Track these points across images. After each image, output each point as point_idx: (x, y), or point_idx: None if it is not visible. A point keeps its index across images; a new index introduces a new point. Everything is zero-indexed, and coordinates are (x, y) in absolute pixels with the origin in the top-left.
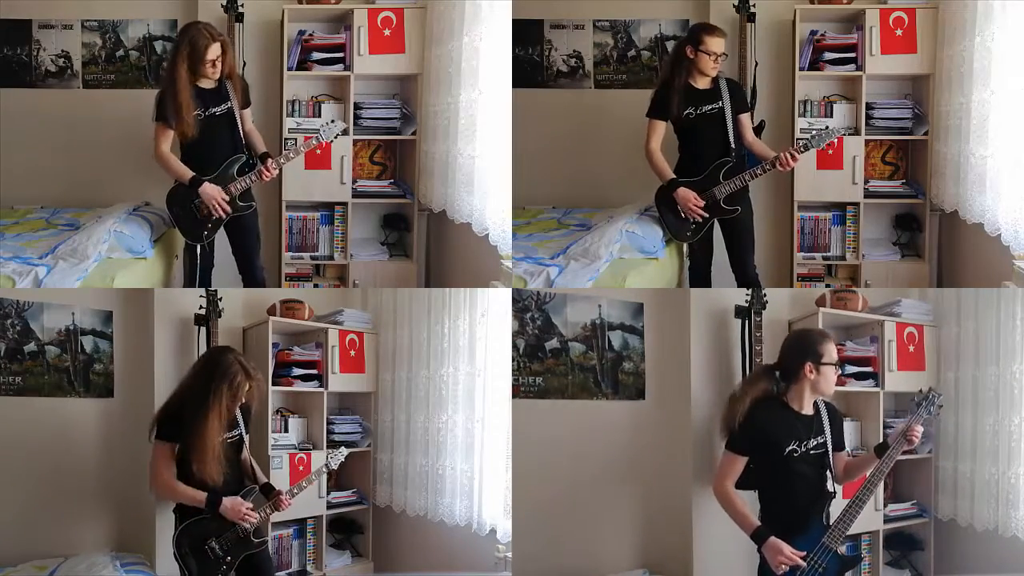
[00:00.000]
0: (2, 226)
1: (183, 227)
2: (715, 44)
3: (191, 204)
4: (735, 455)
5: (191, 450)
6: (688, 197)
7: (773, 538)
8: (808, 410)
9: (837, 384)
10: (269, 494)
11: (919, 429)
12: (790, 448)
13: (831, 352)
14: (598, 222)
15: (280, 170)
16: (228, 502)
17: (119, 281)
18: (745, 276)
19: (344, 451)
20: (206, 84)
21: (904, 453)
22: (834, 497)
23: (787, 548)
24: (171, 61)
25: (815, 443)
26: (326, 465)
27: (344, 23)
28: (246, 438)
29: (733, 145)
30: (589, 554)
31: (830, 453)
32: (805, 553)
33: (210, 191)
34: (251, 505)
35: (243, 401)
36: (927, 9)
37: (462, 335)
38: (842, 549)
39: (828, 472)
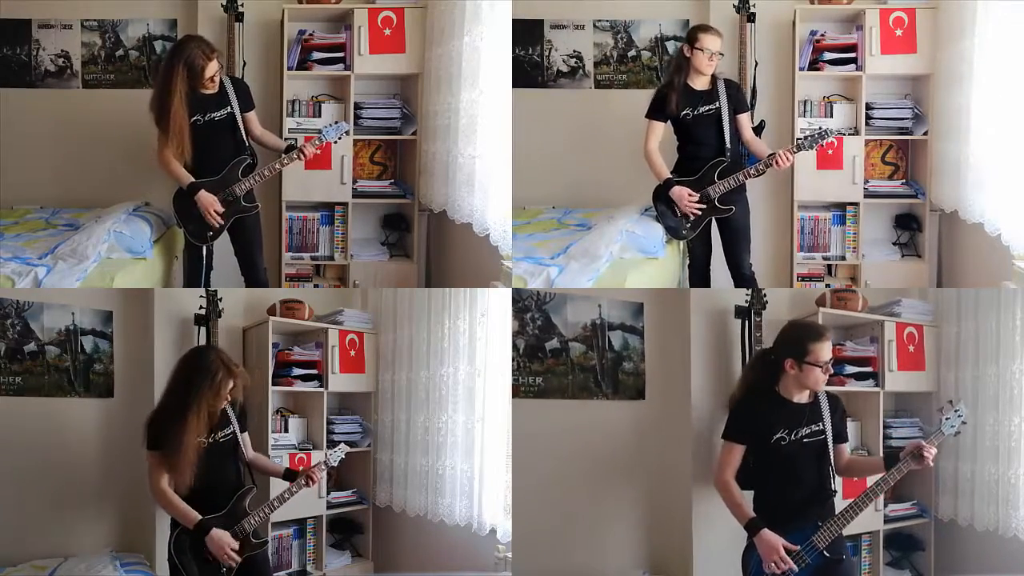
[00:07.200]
0: (2, 226)
1: (188, 227)
2: (710, 41)
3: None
4: (730, 444)
5: (167, 452)
6: (682, 195)
7: (766, 531)
8: (803, 399)
9: (837, 384)
10: (293, 478)
11: (934, 449)
12: (777, 436)
13: (819, 353)
14: (598, 222)
15: (282, 170)
16: (216, 535)
17: (119, 281)
18: (740, 275)
19: (344, 448)
20: (206, 90)
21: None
22: (835, 495)
23: (782, 548)
24: (165, 79)
25: (807, 431)
26: (325, 463)
27: (344, 23)
28: (242, 436)
29: (729, 145)
30: (589, 554)
31: (830, 444)
32: (798, 548)
33: (205, 200)
34: (236, 546)
35: (229, 399)
36: (927, 9)
37: (462, 335)
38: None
39: (828, 465)
